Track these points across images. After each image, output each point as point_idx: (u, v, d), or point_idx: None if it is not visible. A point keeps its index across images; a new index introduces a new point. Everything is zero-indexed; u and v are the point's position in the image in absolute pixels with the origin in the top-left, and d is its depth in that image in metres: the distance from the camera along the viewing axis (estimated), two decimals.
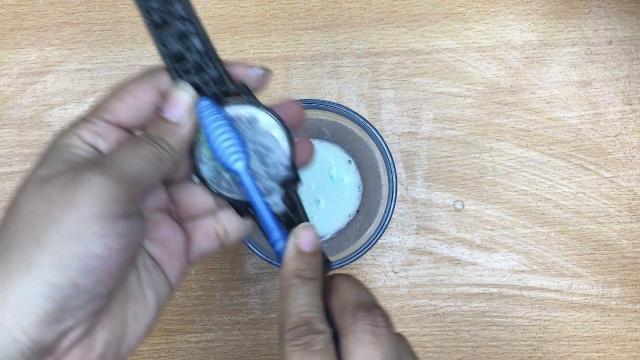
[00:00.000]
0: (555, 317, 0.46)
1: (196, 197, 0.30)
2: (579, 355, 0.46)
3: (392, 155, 0.41)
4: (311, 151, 0.31)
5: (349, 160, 0.46)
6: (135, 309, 0.27)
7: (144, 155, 0.25)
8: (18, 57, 0.48)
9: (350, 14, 0.48)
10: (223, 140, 0.28)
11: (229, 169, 0.28)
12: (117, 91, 0.27)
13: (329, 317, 0.26)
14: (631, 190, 0.47)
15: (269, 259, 0.39)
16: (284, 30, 0.48)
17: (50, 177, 0.24)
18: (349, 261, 0.40)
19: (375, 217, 0.41)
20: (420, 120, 0.48)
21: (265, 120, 0.29)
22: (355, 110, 0.41)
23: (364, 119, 0.40)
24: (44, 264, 0.22)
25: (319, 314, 0.25)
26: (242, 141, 0.28)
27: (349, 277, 0.28)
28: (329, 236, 0.45)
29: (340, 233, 0.45)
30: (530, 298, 0.47)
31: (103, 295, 0.24)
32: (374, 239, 0.40)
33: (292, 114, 0.30)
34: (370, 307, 0.25)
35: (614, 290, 0.47)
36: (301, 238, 0.27)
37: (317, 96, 0.48)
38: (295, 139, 0.29)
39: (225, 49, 0.48)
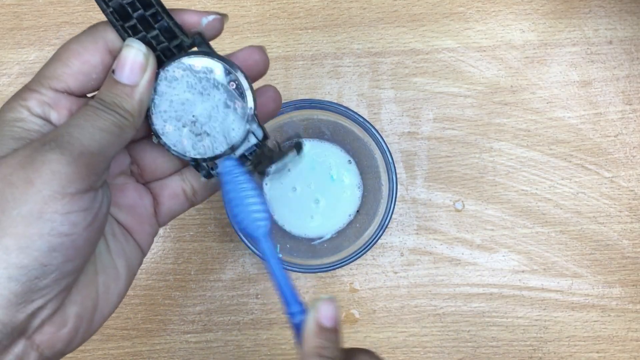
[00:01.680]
0: (555, 317, 0.46)
1: (159, 157, 0.29)
2: (579, 356, 0.46)
3: (392, 155, 0.41)
4: (277, 99, 0.29)
5: (349, 160, 0.46)
6: (106, 279, 0.26)
7: (102, 126, 0.24)
8: (17, 57, 0.48)
9: (350, 14, 0.48)
10: (245, 205, 0.27)
11: (249, 235, 0.27)
12: (61, 54, 0.25)
13: None
14: (631, 190, 0.47)
15: None
16: (284, 30, 0.48)
17: (5, 157, 0.23)
18: (349, 261, 0.40)
19: (375, 217, 0.41)
20: (420, 120, 0.48)
21: (222, 72, 0.27)
22: (355, 110, 0.41)
23: (364, 119, 0.40)
24: (8, 246, 0.22)
25: None
26: (264, 205, 0.27)
27: (369, 355, 0.27)
28: (329, 236, 0.45)
29: (340, 233, 0.45)
30: (531, 298, 0.47)
31: (72, 272, 0.23)
32: (374, 239, 0.40)
33: (253, 62, 0.28)
34: None
35: (615, 291, 0.47)
36: (322, 312, 0.26)
37: (317, 96, 0.48)
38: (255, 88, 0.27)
39: (225, 48, 0.47)
